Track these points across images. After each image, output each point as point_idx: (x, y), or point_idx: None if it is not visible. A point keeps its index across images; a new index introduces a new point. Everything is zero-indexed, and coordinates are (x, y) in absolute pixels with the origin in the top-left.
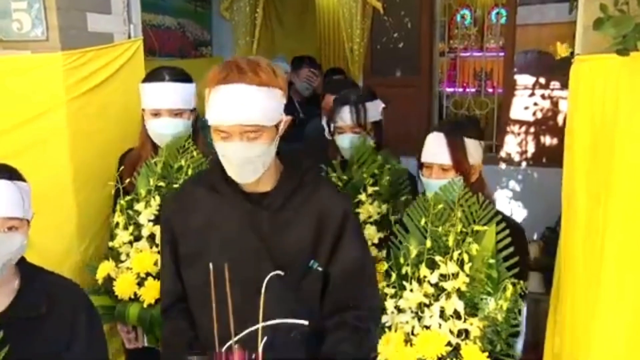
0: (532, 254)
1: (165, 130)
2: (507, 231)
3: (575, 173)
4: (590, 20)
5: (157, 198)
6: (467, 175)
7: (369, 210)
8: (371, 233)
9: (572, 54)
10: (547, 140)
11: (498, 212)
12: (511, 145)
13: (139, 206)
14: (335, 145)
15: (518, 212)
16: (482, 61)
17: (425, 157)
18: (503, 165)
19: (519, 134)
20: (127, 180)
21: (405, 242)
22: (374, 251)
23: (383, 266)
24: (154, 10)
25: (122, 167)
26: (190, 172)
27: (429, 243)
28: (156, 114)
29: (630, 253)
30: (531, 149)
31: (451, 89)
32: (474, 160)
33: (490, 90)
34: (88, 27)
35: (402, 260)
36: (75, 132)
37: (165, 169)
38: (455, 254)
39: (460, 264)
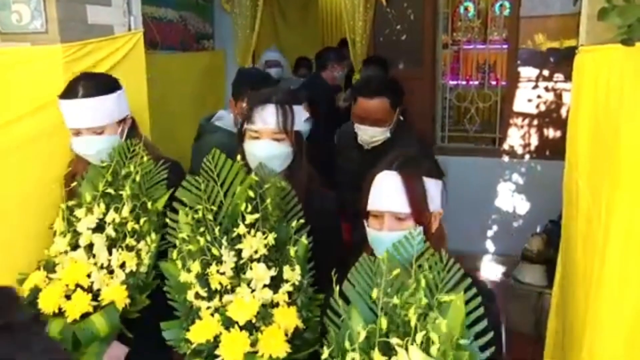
0: (535, 247)
1: (87, 150)
2: (478, 299)
3: (577, 165)
4: (595, 10)
5: (102, 205)
6: (427, 225)
7: (252, 244)
8: (260, 273)
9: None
10: (551, 132)
11: (466, 274)
12: (514, 138)
13: (79, 212)
14: (244, 154)
15: (521, 205)
16: (485, 53)
17: (374, 204)
18: (506, 158)
19: (522, 127)
20: (73, 184)
21: (348, 319)
22: (266, 294)
23: None
24: (155, 2)
25: (69, 170)
26: (137, 178)
27: (384, 323)
28: (77, 132)
29: (635, 247)
30: (534, 141)
31: (454, 82)
32: (435, 206)
33: (493, 82)
34: (88, 19)
35: (347, 344)
36: None
37: (113, 175)
38: (419, 336)
39: (426, 347)
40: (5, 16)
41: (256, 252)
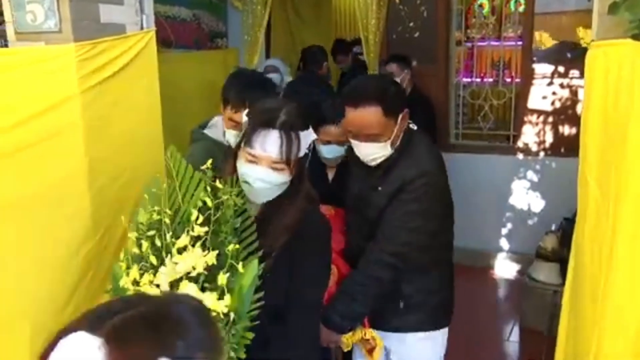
0: (549, 245)
1: None
2: None
3: (588, 162)
4: (606, 5)
5: None
6: None
7: (186, 260)
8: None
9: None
10: (566, 129)
11: None
12: (529, 135)
13: None
14: (233, 170)
15: (536, 203)
16: (499, 50)
17: None
18: (520, 156)
19: (536, 124)
20: None
21: None
22: None
23: None
24: (169, 1)
25: None
26: None
27: None
28: None
29: None
30: (549, 138)
31: (468, 79)
32: None
33: (508, 80)
34: (100, 18)
35: None
36: (90, 123)
37: None
38: None
39: None
40: (21, 16)
41: (194, 268)
